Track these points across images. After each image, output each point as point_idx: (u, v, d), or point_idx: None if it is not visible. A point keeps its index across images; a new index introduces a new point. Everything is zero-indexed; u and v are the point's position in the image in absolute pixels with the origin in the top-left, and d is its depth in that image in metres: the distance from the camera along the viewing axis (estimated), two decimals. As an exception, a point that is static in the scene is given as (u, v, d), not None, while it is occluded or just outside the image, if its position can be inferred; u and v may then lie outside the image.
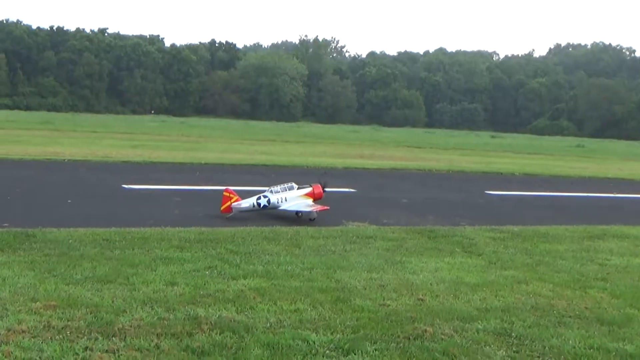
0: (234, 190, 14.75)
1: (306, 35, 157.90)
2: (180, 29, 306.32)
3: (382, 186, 23.34)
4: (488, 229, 14.84)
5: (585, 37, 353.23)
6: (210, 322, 7.34)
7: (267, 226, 13.35)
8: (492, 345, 7.31)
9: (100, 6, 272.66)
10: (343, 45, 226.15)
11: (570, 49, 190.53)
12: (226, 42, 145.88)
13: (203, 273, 9.37)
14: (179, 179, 20.93)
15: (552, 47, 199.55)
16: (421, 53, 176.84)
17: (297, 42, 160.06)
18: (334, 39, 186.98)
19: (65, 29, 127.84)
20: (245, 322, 7.44)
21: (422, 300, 8.84)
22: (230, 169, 25.02)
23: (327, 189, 15.68)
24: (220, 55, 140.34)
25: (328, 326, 7.52)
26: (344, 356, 6.74)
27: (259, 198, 14.77)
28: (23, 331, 6.73)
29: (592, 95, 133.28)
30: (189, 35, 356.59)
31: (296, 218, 14.94)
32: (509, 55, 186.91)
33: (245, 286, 8.87)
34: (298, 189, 15.20)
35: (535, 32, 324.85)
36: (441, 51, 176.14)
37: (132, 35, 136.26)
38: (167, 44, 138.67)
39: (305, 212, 14.87)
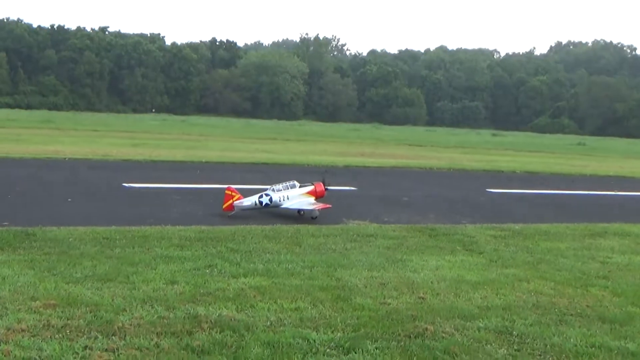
0: (236, 189, 14.74)
1: (307, 34, 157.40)
2: (181, 28, 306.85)
3: (383, 184, 23.30)
4: (489, 227, 14.82)
5: (586, 34, 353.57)
6: (211, 321, 7.32)
7: (268, 224, 13.33)
8: (493, 344, 7.28)
9: (101, 5, 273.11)
10: (344, 43, 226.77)
11: (571, 47, 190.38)
12: (227, 40, 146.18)
13: (203, 271, 9.36)
14: (180, 177, 20.92)
15: (553, 45, 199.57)
16: (422, 51, 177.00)
17: (298, 40, 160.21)
18: (335, 37, 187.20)
19: (66, 27, 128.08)
20: (245, 321, 7.42)
21: (423, 298, 8.82)
22: (231, 168, 24.99)
23: (328, 187, 15.67)
24: (221, 54, 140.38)
25: (328, 325, 7.49)
26: (344, 355, 6.72)
27: (261, 196, 14.75)
28: (22, 330, 6.71)
29: (593, 93, 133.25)
30: (189, 34, 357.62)
31: (297, 216, 14.91)
32: (510, 53, 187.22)
33: (246, 285, 8.85)
34: (300, 187, 15.18)
35: (536, 30, 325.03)
36: (442, 49, 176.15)
37: (133, 33, 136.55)
38: (168, 42, 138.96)
39: (307, 210, 14.85)
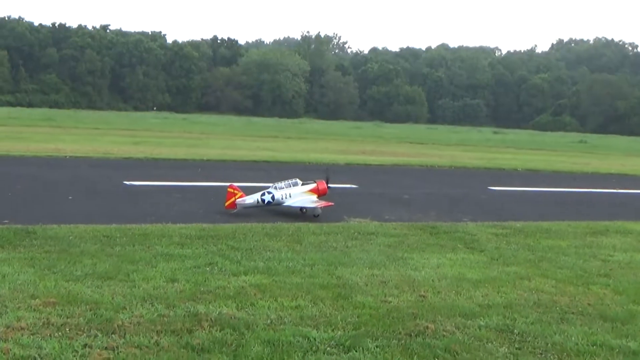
0: (238, 187, 14.73)
1: (308, 32, 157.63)
2: (183, 26, 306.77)
3: (384, 182, 23.28)
4: (490, 224, 14.79)
5: (588, 32, 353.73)
6: (211, 319, 7.31)
7: (269, 222, 13.30)
8: (494, 342, 7.26)
9: (103, 3, 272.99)
10: (345, 41, 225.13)
11: (572, 45, 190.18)
12: (228, 38, 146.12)
13: (204, 269, 9.34)
14: (181, 175, 20.90)
15: (555, 42, 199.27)
16: (423, 49, 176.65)
17: (299, 38, 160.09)
18: (336, 35, 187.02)
19: (67, 25, 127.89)
20: (245, 319, 7.40)
21: (423, 296, 8.79)
22: (232, 166, 24.97)
23: (331, 185, 15.65)
24: (223, 52, 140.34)
25: (329, 323, 7.47)
26: (345, 353, 6.70)
27: (263, 194, 14.74)
28: (22, 328, 6.69)
29: (594, 91, 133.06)
30: (191, 32, 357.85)
31: (299, 214, 14.90)
32: (511, 50, 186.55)
33: (246, 282, 8.84)
34: (302, 185, 15.17)
35: (537, 27, 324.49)
36: (443, 47, 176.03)
37: (134, 31, 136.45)
38: (169, 40, 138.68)
39: (310, 208, 14.84)
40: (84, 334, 6.66)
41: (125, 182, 18.52)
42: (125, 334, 6.72)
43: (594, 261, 11.81)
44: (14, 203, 14.39)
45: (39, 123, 50.31)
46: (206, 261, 9.78)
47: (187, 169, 23.26)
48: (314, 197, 15.09)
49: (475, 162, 33.94)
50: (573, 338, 7.52)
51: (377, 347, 6.88)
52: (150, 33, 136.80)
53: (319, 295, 8.46)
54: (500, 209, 18.39)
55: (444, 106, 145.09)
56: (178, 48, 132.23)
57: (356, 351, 6.73)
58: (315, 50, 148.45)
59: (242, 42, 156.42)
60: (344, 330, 7.27)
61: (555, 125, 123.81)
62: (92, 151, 26.60)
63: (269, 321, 7.40)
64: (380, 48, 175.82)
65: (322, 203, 14.78)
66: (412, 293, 8.91)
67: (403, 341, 7.10)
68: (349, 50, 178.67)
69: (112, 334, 6.72)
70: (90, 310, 7.32)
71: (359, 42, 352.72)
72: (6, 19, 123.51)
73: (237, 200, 14.36)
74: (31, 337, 6.51)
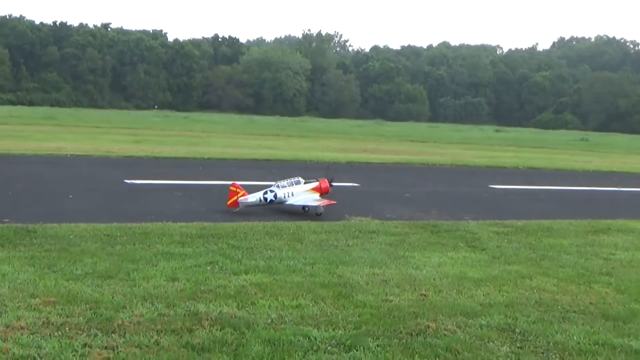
0: (241, 185, 14.71)
1: (309, 30, 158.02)
2: (184, 24, 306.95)
3: (385, 181, 23.26)
4: (492, 223, 14.76)
5: (589, 30, 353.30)
6: (211, 318, 7.28)
7: (269, 221, 13.27)
8: (495, 341, 7.23)
9: (104, 1, 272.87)
10: (346, 39, 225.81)
11: (574, 43, 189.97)
12: (229, 36, 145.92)
13: (204, 268, 9.32)
14: (182, 174, 20.88)
15: (556, 40, 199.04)
16: (424, 47, 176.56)
17: (301, 36, 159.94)
18: (337, 33, 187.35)
19: (68, 24, 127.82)
20: (246, 318, 7.37)
21: (425, 295, 8.77)
22: (233, 164, 24.95)
23: (333, 184, 15.63)
24: (224, 50, 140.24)
25: (330, 322, 7.45)
26: (345, 352, 6.67)
27: (265, 193, 14.72)
28: (22, 328, 6.67)
29: (596, 89, 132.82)
30: (192, 30, 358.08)
31: (299, 213, 14.87)
32: (513, 49, 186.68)
33: (247, 281, 8.81)
34: (305, 183, 15.16)
35: (538, 25, 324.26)
36: (444, 45, 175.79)
37: (135, 30, 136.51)
38: (170, 38, 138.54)
39: (312, 206, 14.82)
40: (84, 334, 6.64)
41: (126, 180, 18.50)
42: (125, 333, 6.70)
43: (596, 260, 11.77)
44: (15, 202, 14.38)
45: (40, 122, 50.37)
46: (207, 260, 9.76)
47: (188, 167, 23.24)
48: (317, 195, 15.07)
49: (477, 160, 33.90)
50: (575, 337, 7.49)
51: (378, 346, 6.86)
52: (151, 31, 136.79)
53: (320, 294, 8.44)
54: (501, 208, 18.36)
55: (445, 104, 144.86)
56: (179, 46, 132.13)
57: (357, 350, 6.70)
58: (317, 49, 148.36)
59: (243, 40, 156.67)
60: (345, 330, 7.25)
61: (556, 124, 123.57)
62: (93, 150, 26.60)
63: (269, 320, 7.38)
64: (381, 46, 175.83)
65: (325, 202, 14.76)
66: (413, 292, 8.88)
67: (404, 340, 7.07)
68: (350, 49, 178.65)
69: (112, 333, 6.70)
70: (90, 310, 7.30)
71: (360, 40, 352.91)
72: (7, 17, 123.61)
73: (240, 198, 14.35)
74: (31, 336, 6.49)
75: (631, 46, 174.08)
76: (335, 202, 14.85)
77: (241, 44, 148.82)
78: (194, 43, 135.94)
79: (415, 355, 6.71)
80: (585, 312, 8.52)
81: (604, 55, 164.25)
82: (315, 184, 15.23)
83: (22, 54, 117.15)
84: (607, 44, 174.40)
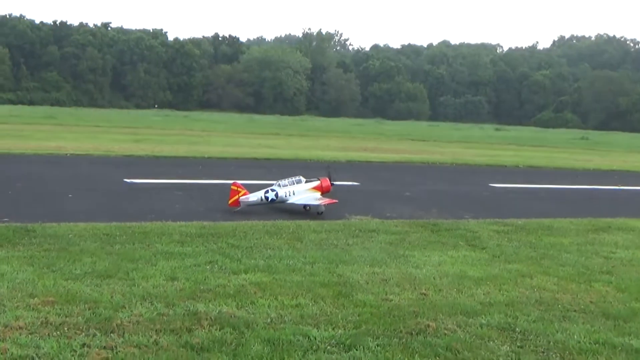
0: (242, 184, 14.69)
1: (309, 29, 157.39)
2: (184, 23, 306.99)
3: (385, 179, 23.24)
4: (492, 222, 14.74)
5: (589, 29, 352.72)
6: (210, 318, 7.26)
7: (269, 220, 13.25)
8: (496, 340, 7.21)
9: (103, 1, 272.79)
10: (346, 38, 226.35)
11: (574, 41, 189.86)
12: (229, 35, 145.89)
13: (204, 268, 9.29)
14: (182, 173, 20.86)
15: (556, 39, 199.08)
16: (425, 46, 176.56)
17: (301, 35, 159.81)
18: (338, 32, 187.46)
19: (68, 23, 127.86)
20: (245, 318, 7.35)
21: (425, 294, 8.74)
22: (233, 163, 24.93)
23: (334, 183, 15.61)
24: (224, 49, 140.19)
25: (329, 321, 7.42)
26: (345, 352, 6.65)
27: (266, 192, 14.70)
28: (20, 327, 6.65)
29: (596, 88, 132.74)
30: (192, 29, 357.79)
31: (300, 211, 14.85)
32: (513, 47, 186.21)
33: (246, 281, 8.79)
34: (306, 182, 15.15)
35: (539, 24, 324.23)
36: (444, 44, 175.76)
37: (135, 29, 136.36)
38: (171, 38, 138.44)
39: (314, 205, 14.81)
40: (83, 333, 6.62)
41: (126, 179, 18.49)
42: (124, 333, 6.67)
43: (596, 258, 11.74)
44: (14, 201, 14.37)
45: (40, 121, 50.37)
46: (206, 259, 9.73)
47: (188, 166, 23.22)
48: (318, 194, 15.05)
49: (477, 159, 33.88)
50: (575, 336, 7.47)
51: (377, 345, 6.83)
52: (151, 30, 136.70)
53: (320, 294, 8.41)
54: (501, 206, 18.34)
55: (445, 103, 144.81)
56: (179, 45, 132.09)
57: (357, 350, 6.68)
58: (317, 48, 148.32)
59: (243, 39, 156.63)
60: (345, 329, 7.22)
61: (556, 122, 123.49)
62: (93, 149, 26.59)
63: (269, 320, 7.35)
64: (381, 45, 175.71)
65: (326, 200, 14.74)
66: (413, 291, 8.86)
67: (404, 340, 7.05)
68: (350, 48, 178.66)
69: (110, 333, 6.68)
70: (89, 309, 7.28)
71: (360, 39, 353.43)
72: (7, 17, 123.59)
73: (241, 197, 14.33)
74: (29, 336, 6.46)
75: (631, 45, 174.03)
76: (336, 200, 14.83)
77: (241, 43, 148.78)
78: (194, 42, 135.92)
79: (415, 355, 6.69)
80: (586, 311, 8.49)
81: (604, 53, 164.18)
82: (316, 183, 15.21)
83: (22, 53, 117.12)
84: (608, 42, 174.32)
